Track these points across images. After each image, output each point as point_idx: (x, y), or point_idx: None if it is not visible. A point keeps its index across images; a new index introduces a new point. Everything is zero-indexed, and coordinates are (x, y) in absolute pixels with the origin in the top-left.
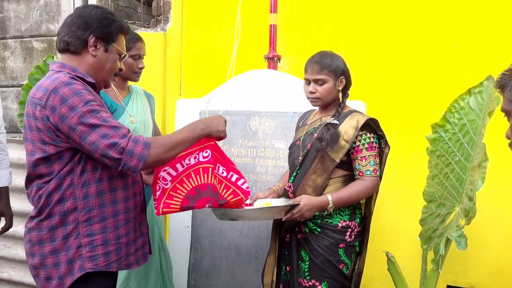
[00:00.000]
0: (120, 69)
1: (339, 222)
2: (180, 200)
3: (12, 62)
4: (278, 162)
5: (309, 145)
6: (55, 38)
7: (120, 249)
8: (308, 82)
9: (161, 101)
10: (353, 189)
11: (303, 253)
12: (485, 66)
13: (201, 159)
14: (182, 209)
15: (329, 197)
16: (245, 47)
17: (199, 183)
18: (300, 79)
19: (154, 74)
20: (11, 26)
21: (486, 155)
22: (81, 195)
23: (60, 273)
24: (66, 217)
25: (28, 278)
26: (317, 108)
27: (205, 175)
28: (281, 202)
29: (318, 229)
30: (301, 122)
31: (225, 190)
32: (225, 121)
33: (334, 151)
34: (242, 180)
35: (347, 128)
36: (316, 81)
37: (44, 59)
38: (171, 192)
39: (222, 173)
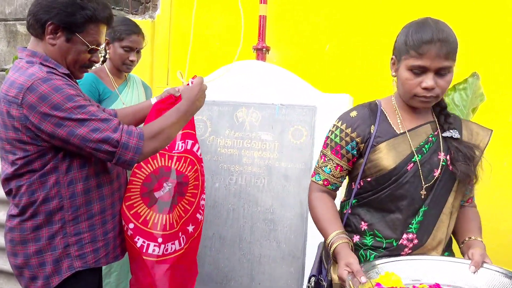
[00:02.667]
0: (94, 61)
1: None
2: (139, 186)
3: None
4: (264, 154)
5: (437, 171)
6: None
7: (108, 244)
8: (420, 70)
9: None
10: (479, 223)
11: None
12: (470, 63)
13: None
14: (143, 196)
15: (482, 242)
16: (233, 37)
17: (152, 169)
18: (288, 71)
19: (141, 62)
20: None
21: None
22: (68, 194)
23: (46, 273)
24: (52, 216)
25: (9, 266)
26: (376, 102)
27: (155, 160)
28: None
29: None
30: (375, 127)
31: (177, 163)
32: (204, 88)
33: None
34: (197, 146)
35: (474, 147)
36: (438, 70)
37: (29, 43)
38: (131, 178)
39: (179, 147)
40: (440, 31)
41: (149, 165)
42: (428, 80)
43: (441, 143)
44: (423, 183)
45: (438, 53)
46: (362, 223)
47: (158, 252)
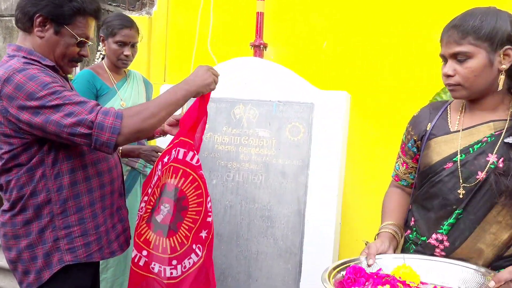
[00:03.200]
0: (83, 55)
1: None
2: (148, 214)
3: None
4: (262, 151)
5: (481, 173)
6: None
7: (100, 238)
8: (444, 61)
9: None
10: None
11: None
12: None
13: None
14: (147, 222)
15: None
16: (231, 34)
17: (158, 193)
18: (285, 68)
19: (138, 59)
20: None
21: None
22: (55, 187)
23: (37, 267)
24: (41, 210)
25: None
26: (449, 100)
27: (159, 181)
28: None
29: None
30: (431, 124)
31: (174, 175)
32: (210, 68)
33: None
34: (191, 154)
35: None
36: (454, 56)
37: (18, 38)
38: (146, 206)
39: (173, 154)
40: (456, 19)
41: (156, 189)
42: (446, 68)
43: (497, 145)
44: (461, 184)
45: (448, 40)
46: (412, 218)
47: (177, 274)
